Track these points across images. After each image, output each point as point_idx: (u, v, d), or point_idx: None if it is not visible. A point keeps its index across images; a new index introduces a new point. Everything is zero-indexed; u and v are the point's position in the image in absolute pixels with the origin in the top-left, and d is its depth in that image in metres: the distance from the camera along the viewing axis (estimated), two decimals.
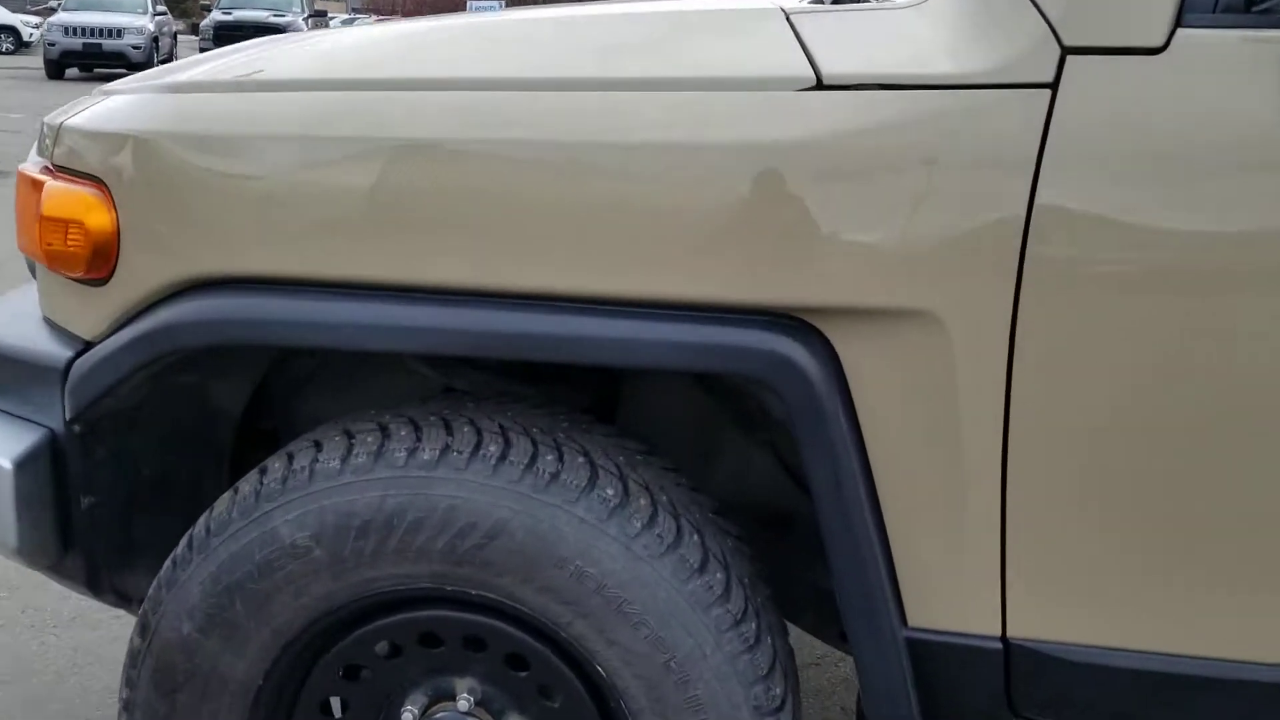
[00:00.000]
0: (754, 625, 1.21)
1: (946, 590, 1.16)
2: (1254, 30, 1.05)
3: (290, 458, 1.25)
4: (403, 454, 1.20)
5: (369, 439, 1.23)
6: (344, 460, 1.21)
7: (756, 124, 1.12)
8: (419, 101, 1.21)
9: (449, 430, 1.22)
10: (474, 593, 1.21)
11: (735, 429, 1.43)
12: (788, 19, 1.25)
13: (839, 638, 1.52)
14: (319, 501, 1.20)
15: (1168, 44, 1.05)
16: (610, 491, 1.19)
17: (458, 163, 1.18)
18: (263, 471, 1.25)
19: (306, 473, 1.22)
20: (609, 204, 1.14)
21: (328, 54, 1.42)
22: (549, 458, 1.20)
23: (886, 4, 1.29)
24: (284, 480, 1.23)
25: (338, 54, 1.42)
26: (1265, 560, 1.09)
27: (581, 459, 1.21)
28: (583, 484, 1.18)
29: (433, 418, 1.25)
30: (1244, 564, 1.10)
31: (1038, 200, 1.06)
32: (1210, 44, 1.05)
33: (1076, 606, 1.14)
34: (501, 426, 1.24)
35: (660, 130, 1.14)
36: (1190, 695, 1.14)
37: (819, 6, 1.33)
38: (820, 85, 1.12)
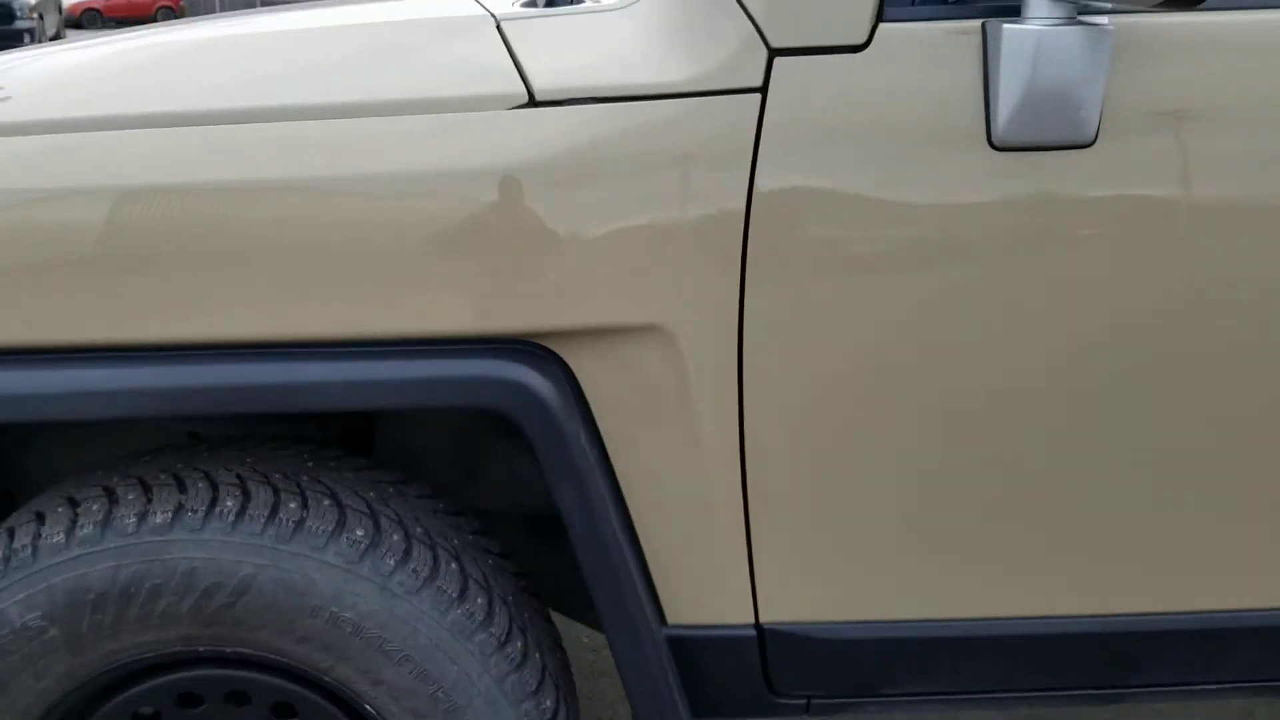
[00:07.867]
0: (520, 644, 1.22)
1: (700, 587, 1.19)
2: (952, 21, 1.08)
3: (11, 534, 1.17)
4: (133, 519, 1.13)
5: (94, 507, 1.15)
6: (69, 533, 1.14)
7: (470, 148, 1.09)
8: (106, 144, 1.12)
9: (181, 488, 1.16)
10: (229, 650, 1.17)
11: (496, 439, 1.42)
12: (499, 30, 1.21)
13: None
14: (47, 580, 1.13)
15: (870, 40, 1.07)
16: (360, 532, 1.16)
17: (150, 210, 1.10)
18: None
19: (30, 550, 1.14)
20: (319, 243, 1.09)
21: None
22: (292, 505, 1.16)
23: (598, 7, 1.27)
24: (5, 561, 1.15)
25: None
26: (993, 525, 1.17)
27: (328, 502, 1.18)
28: (330, 529, 1.15)
29: (163, 475, 1.19)
30: (975, 529, 1.17)
31: (754, 204, 1.08)
32: (912, 37, 1.07)
33: (822, 587, 1.19)
34: (240, 477, 1.18)
35: (366, 161, 1.09)
36: (935, 657, 1.22)
37: (531, 12, 1.29)
38: (532, 102, 1.10)
